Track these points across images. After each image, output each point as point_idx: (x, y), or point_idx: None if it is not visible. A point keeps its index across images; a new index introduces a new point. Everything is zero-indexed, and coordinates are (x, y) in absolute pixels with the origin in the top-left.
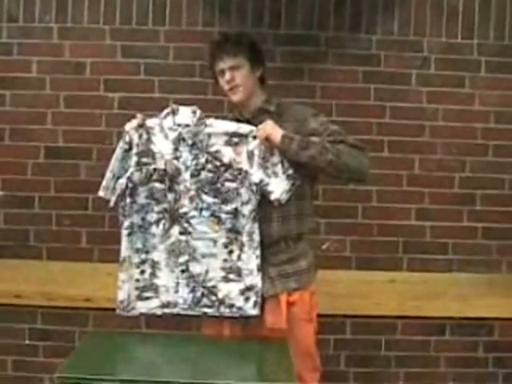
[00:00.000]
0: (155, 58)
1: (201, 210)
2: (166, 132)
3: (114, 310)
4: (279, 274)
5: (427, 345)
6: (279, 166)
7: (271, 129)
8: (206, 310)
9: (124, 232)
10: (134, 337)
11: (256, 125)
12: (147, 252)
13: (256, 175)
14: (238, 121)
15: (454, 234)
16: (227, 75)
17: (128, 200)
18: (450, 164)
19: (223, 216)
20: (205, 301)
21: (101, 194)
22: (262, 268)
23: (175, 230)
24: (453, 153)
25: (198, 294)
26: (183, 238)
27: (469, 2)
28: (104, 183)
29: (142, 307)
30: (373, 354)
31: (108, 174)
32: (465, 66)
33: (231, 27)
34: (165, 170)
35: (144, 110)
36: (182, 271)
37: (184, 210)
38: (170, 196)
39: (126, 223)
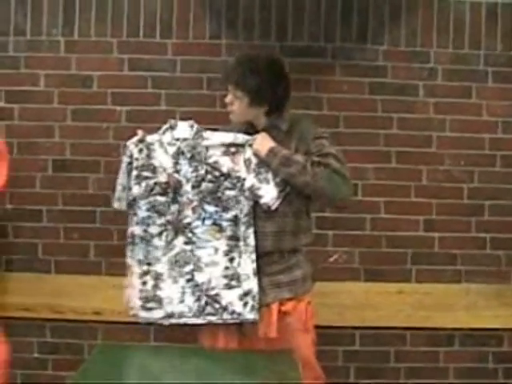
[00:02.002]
0: (162, 70)
1: (203, 219)
2: (165, 147)
3: (122, 323)
4: (271, 284)
5: (436, 356)
6: (270, 173)
7: (261, 141)
8: (210, 317)
9: (127, 244)
10: (143, 349)
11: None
12: (149, 264)
13: (249, 180)
14: (249, 134)
15: (462, 244)
16: (228, 97)
17: (129, 212)
18: (457, 175)
19: (224, 224)
20: (209, 309)
21: (115, 205)
22: (257, 279)
23: (179, 240)
24: (460, 163)
25: (203, 302)
26: (188, 247)
27: (475, 13)
28: (116, 195)
29: (146, 317)
30: (382, 365)
31: (118, 187)
32: (472, 76)
33: (238, 39)
34: (166, 183)
35: (151, 122)
36: (188, 280)
37: (188, 220)
38: (174, 208)
39: (128, 233)
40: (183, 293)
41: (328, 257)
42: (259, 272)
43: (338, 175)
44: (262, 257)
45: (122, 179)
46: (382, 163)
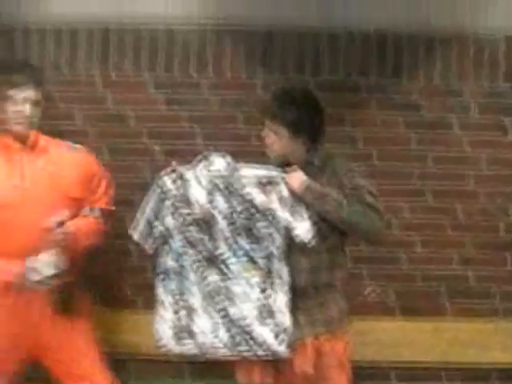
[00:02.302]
0: (198, 107)
1: (237, 253)
2: (200, 180)
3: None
4: (307, 320)
5: None
6: (304, 208)
7: (295, 176)
8: (243, 352)
9: (159, 276)
10: None
11: None
12: (183, 296)
13: (283, 216)
14: (285, 167)
15: (498, 280)
16: (264, 131)
17: (163, 246)
18: (493, 211)
19: (258, 258)
20: (242, 343)
21: (135, 237)
22: (291, 314)
23: (213, 274)
24: (496, 201)
25: (236, 336)
26: (221, 282)
27: (509, 47)
28: (139, 228)
29: (179, 351)
30: None
31: (142, 220)
32: (507, 111)
33: (273, 75)
34: (201, 217)
35: (188, 159)
36: (222, 315)
37: (221, 254)
38: (208, 242)
39: (161, 268)
40: (217, 326)
41: (363, 293)
42: (295, 308)
43: (373, 210)
44: (298, 292)
45: (147, 212)
46: (416, 199)
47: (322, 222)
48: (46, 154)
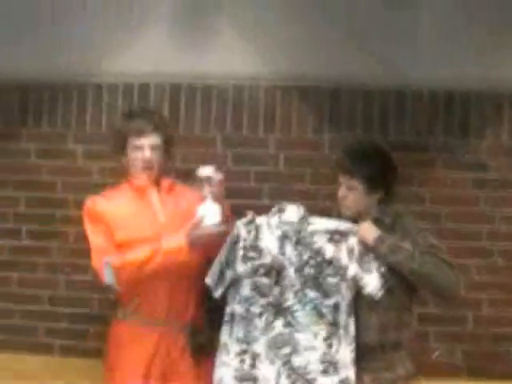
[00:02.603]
0: (265, 165)
1: (304, 303)
2: (272, 229)
3: None
4: (374, 381)
5: None
6: (375, 262)
7: (367, 228)
8: None
9: (224, 319)
10: None
11: None
12: (248, 343)
13: (352, 269)
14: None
15: None
16: (341, 191)
17: (231, 290)
18: None
19: (324, 310)
20: None
21: (208, 281)
22: (356, 374)
23: (279, 322)
24: None
25: None
26: (287, 330)
27: None
28: (212, 273)
29: None
30: None
31: (216, 265)
32: None
33: (341, 134)
34: (271, 265)
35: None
36: (284, 363)
37: (288, 303)
38: (276, 290)
39: (228, 311)
40: (279, 375)
41: (430, 353)
42: (362, 368)
43: (446, 264)
44: (364, 352)
45: (222, 257)
46: (485, 259)
47: (391, 278)
48: (173, 192)
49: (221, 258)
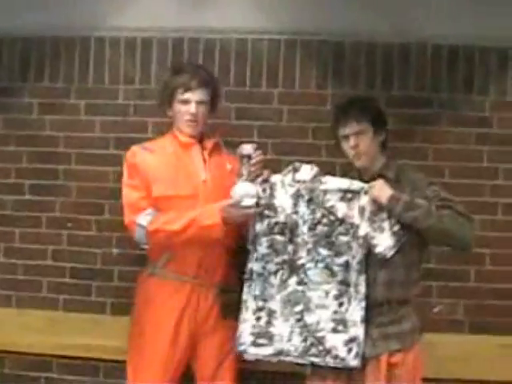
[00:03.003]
0: (268, 120)
1: (316, 261)
2: (286, 188)
3: None
4: (381, 336)
5: None
6: (387, 221)
7: (380, 188)
8: (313, 358)
9: (245, 276)
10: None
11: None
12: (265, 300)
13: (363, 228)
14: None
15: None
16: (352, 141)
17: (251, 248)
18: None
19: (336, 268)
20: (313, 350)
21: (250, 247)
22: (364, 328)
23: (293, 280)
24: None
25: (308, 343)
26: (300, 288)
27: None
28: (250, 237)
29: (255, 353)
30: None
31: (251, 228)
32: None
33: (344, 89)
34: (285, 223)
35: None
36: (297, 320)
37: (302, 261)
38: (290, 248)
39: (247, 269)
40: (292, 332)
41: (432, 308)
42: (369, 323)
43: (463, 217)
44: (372, 307)
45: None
46: (487, 214)
47: (403, 237)
48: (216, 152)
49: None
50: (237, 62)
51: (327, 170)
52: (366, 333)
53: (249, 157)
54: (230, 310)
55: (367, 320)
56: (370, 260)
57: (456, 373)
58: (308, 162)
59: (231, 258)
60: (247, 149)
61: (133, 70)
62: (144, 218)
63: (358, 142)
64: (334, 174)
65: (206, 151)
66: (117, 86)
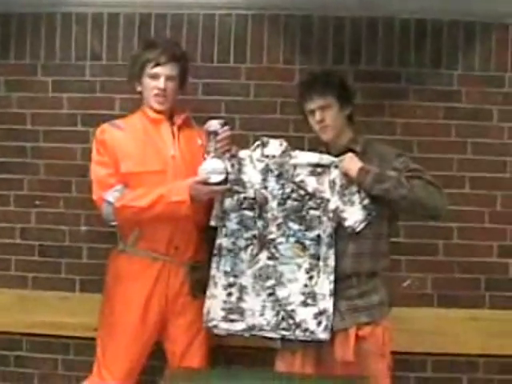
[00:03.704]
0: (236, 95)
1: (287, 236)
2: (255, 163)
3: None
4: (349, 308)
5: None
6: (356, 195)
7: (350, 161)
8: (283, 332)
9: (213, 252)
10: (217, 374)
11: None
12: (235, 276)
13: (333, 202)
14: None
15: None
16: (317, 115)
17: (218, 224)
18: None
19: (307, 242)
20: (284, 324)
21: (212, 223)
22: (333, 301)
23: (263, 255)
24: None
25: (280, 317)
26: (271, 262)
27: None
28: (214, 213)
29: (227, 328)
30: None
31: (216, 204)
32: None
33: (312, 64)
34: (254, 199)
35: None
36: (269, 295)
37: (272, 236)
38: (260, 223)
39: (216, 244)
40: (264, 306)
41: (401, 282)
42: (337, 296)
43: (433, 186)
44: (341, 280)
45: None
46: (455, 188)
47: (372, 209)
48: (186, 127)
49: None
50: (204, 38)
51: (296, 144)
52: (335, 305)
53: (215, 133)
54: (201, 287)
55: (336, 293)
56: (339, 232)
57: (426, 346)
58: (276, 137)
59: (202, 234)
60: (214, 125)
61: (99, 46)
62: (112, 195)
63: (323, 116)
64: (302, 149)
65: (176, 126)
66: (84, 63)
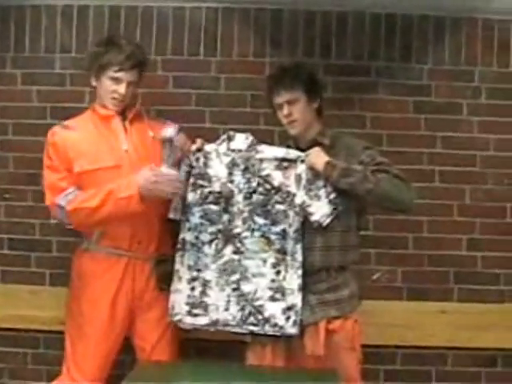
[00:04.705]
0: (206, 88)
1: (253, 230)
2: (221, 157)
3: None
4: (319, 302)
5: (479, 377)
6: (323, 189)
7: (316, 155)
8: (252, 327)
9: (177, 246)
10: (183, 367)
11: None
12: (199, 270)
13: (299, 197)
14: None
15: (505, 264)
16: (285, 110)
17: (182, 218)
18: (501, 194)
19: (273, 237)
20: (251, 319)
21: (170, 216)
22: (303, 295)
23: (228, 249)
24: (503, 183)
25: (246, 312)
26: (236, 257)
27: None
28: (172, 205)
29: (191, 323)
30: None
31: (176, 197)
32: None
33: (282, 58)
34: (220, 193)
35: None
36: (234, 289)
37: (237, 230)
38: (225, 217)
39: (179, 239)
40: (228, 301)
41: (370, 275)
42: (307, 290)
43: (400, 179)
44: (310, 274)
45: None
46: (425, 182)
47: (338, 204)
48: (138, 121)
49: (181, 191)
50: (174, 31)
51: (266, 138)
52: (305, 299)
53: (170, 140)
54: (168, 280)
55: (305, 287)
56: (308, 226)
57: (395, 339)
58: (246, 131)
59: (165, 226)
60: (169, 131)
61: (69, 39)
62: (64, 199)
63: (290, 110)
64: (272, 143)
65: (127, 121)
66: (53, 55)
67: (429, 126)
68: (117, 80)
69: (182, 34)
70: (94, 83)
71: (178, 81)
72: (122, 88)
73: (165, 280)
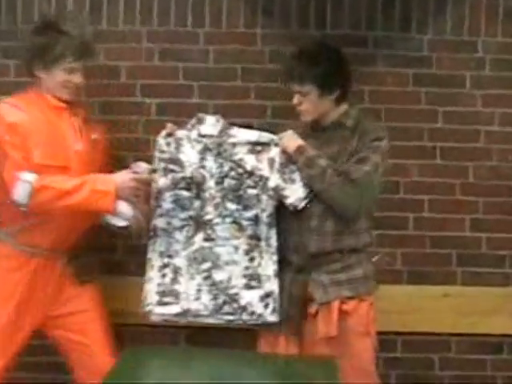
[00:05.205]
0: (194, 61)
1: (224, 216)
2: (192, 143)
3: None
4: (332, 282)
5: (483, 364)
6: (297, 173)
7: (289, 138)
8: (227, 317)
9: (149, 234)
10: (173, 352)
11: (332, 135)
12: (170, 256)
13: (273, 180)
14: (313, 130)
15: (511, 245)
16: (295, 99)
17: (153, 204)
18: (506, 171)
19: (244, 222)
20: (226, 308)
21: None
22: (315, 276)
23: (199, 236)
24: (509, 160)
25: (220, 301)
26: (207, 244)
27: None
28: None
29: (162, 313)
30: (425, 373)
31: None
32: None
33: (274, 28)
34: (191, 178)
35: (183, 115)
36: (205, 278)
37: (209, 217)
38: (197, 203)
39: (151, 226)
40: (199, 290)
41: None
42: (319, 270)
43: (354, 187)
44: (322, 256)
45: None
46: (425, 159)
47: None
48: (86, 121)
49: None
50: (161, 0)
51: (258, 113)
52: (318, 279)
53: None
54: (87, 271)
55: (317, 267)
56: (315, 210)
57: (395, 325)
58: (237, 106)
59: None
60: (140, 166)
61: (48, 10)
62: (30, 175)
63: (300, 100)
64: (264, 117)
65: (78, 118)
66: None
67: (429, 100)
68: (72, 70)
69: (169, 3)
70: (41, 75)
71: (164, 53)
72: (77, 77)
73: (84, 272)
